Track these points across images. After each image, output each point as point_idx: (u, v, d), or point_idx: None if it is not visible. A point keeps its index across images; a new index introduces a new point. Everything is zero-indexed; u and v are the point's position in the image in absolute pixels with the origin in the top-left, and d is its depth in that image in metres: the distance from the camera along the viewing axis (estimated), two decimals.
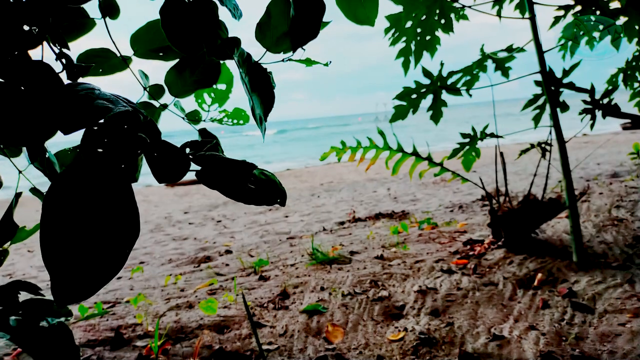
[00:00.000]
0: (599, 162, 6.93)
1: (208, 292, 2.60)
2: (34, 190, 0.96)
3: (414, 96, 2.67)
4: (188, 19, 0.70)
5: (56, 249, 0.49)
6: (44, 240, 0.49)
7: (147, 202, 8.74)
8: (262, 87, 0.75)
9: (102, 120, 0.51)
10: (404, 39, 2.63)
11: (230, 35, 0.80)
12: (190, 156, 0.58)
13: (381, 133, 2.86)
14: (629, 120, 2.59)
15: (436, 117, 2.77)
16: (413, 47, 2.67)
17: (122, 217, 0.52)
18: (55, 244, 0.49)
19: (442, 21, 2.60)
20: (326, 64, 0.89)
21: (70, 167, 0.50)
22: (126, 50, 0.90)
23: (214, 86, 1.02)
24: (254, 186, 0.62)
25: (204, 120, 1.05)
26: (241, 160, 0.60)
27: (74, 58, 0.72)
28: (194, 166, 0.59)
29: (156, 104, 0.97)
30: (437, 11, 2.57)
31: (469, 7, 2.54)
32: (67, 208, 0.50)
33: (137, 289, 2.91)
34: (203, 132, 0.69)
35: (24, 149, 0.86)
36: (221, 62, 0.94)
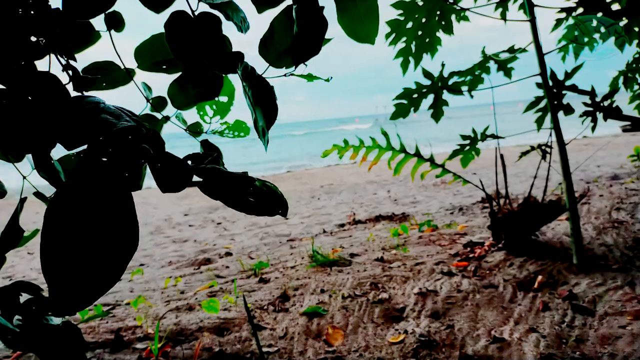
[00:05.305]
0: (599, 165, 6.93)
1: (208, 294, 2.60)
2: (38, 194, 0.97)
3: (414, 96, 2.68)
4: (193, 33, 0.70)
5: (55, 260, 0.50)
6: (44, 251, 0.49)
7: (147, 204, 8.73)
8: (265, 101, 0.76)
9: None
10: (403, 39, 2.63)
11: (231, 36, 0.80)
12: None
13: (384, 133, 2.86)
14: (629, 123, 2.60)
15: (437, 116, 2.79)
16: (413, 48, 2.67)
17: (122, 230, 0.52)
18: (55, 255, 0.50)
19: (443, 23, 2.61)
20: (327, 80, 0.89)
21: (72, 177, 0.50)
22: (130, 62, 0.91)
23: (216, 98, 1.03)
24: (255, 197, 0.62)
25: (206, 132, 1.05)
26: (241, 173, 0.61)
27: (79, 70, 0.73)
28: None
29: (159, 115, 0.98)
30: (438, 13, 2.58)
31: (469, 9, 2.54)
32: (67, 220, 0.50)
33: (137, 291, 2.91)
34: (205, 143, 0.69)
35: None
36: (223, 75, 0.95)
